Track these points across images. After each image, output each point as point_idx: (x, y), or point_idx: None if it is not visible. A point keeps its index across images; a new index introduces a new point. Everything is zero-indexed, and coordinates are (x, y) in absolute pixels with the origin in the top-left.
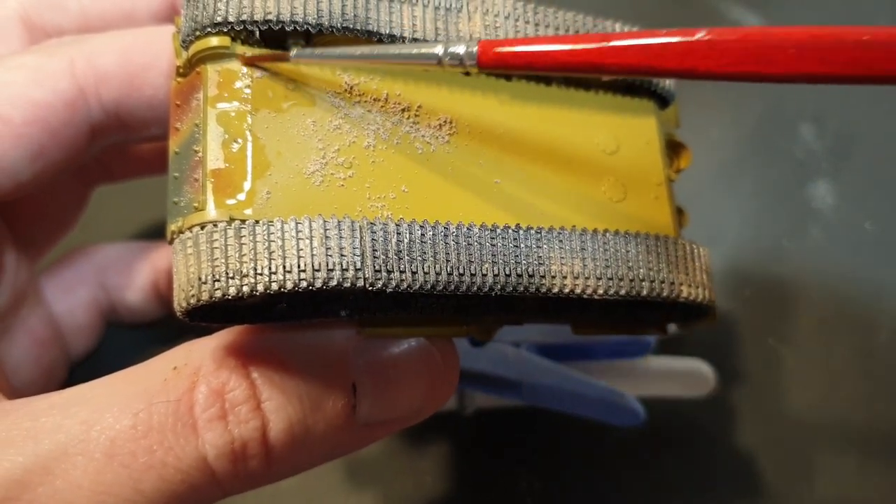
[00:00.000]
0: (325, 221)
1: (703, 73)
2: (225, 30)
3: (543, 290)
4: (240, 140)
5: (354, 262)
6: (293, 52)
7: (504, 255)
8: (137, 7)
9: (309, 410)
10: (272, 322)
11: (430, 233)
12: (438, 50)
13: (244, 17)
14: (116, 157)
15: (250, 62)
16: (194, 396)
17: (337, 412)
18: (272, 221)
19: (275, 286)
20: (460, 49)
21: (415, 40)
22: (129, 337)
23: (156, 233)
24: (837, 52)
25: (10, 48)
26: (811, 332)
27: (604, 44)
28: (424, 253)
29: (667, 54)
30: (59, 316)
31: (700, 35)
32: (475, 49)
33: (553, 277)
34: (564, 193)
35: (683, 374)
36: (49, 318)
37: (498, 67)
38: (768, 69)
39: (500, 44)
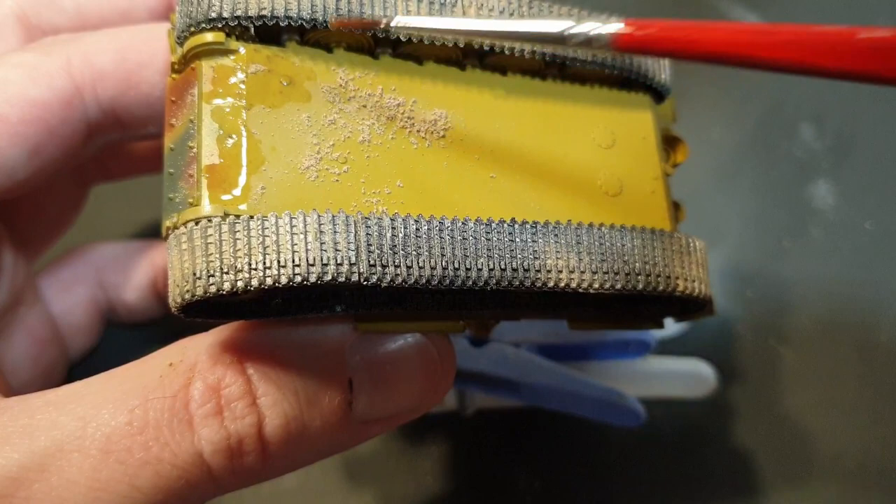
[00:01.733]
0: (319, 216)
1: (859, 73)
2: (219, 25)
3: (539, 284)
4: (234, 135)
5: (349, 257)
6: (395, 20)
7: (499, 249)
8: (135, 5)
9: (305, 406)
10: (268, 318)
11: (425, 227)
12: (566, 26)
13: (238, 13)
14: (114, 155)
15: (342, 25)
16: (190, 392)
17: (333, 408)
18: (266, 216)
19: (269, 281)
20: (592, 28)
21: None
22: (128, 336)
23: (154, 232)
24: None
25: (7, 47)
26: (811, 332)
27: (763, 37)
28: (419, 247)
29: (827, 51)
30: (58, 315)
31: (863, 34)
32: (612, 30)
33: (548, 272)
34: (560, 188)
35: (683, 375)
36: (48, 318)
37: (636, 49)
38: None
39: (646, 25)
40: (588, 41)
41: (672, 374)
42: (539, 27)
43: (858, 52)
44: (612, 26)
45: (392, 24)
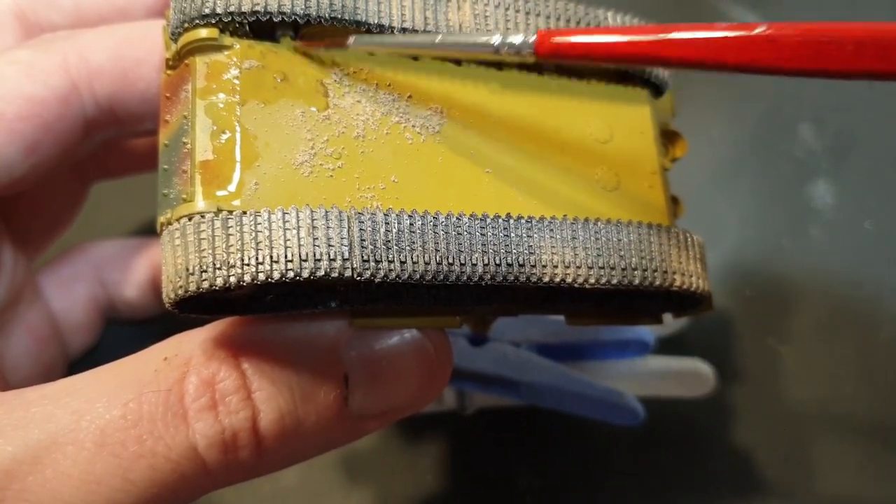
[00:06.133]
0: (312, 211)
1: (762, 67)
2: (213, 21)
3: (534, 279)
4: (228, 131)
5: (342, 252)
6: (351, 39)
7: (494, 244)
8: (132, 3)
9: (300, 401)
10: (263, 313)
11: (419, 222)
12: (496, 40)
13: (232, 9)
14: (113, 153)
15: (307, 47)
16: (185, 386)
17: (328, 403)
18: (259, 212)
19: (261, 276)
20: (517, 39)
21: (404, 30)
22: (128, 333)
23: (153, 229)
24: None
25: (4, 44)
26: (811, 332)
27: (663, 36)
28: (413, 242)
29: (726, 48)
30: (58, 313)
31: (760, 29)
32: (533, 39)
33: (544, 267)
34: (556, 183)
35: (683, 374)
36: (47, 315)
37: (555, 57)
38: (826, 65)
39: (558, 34)
40: (518, 50)
41: (671, 373)
42: (476, 40)
43: (757, 46)
44: (531, 38)
45: (350, 42)
